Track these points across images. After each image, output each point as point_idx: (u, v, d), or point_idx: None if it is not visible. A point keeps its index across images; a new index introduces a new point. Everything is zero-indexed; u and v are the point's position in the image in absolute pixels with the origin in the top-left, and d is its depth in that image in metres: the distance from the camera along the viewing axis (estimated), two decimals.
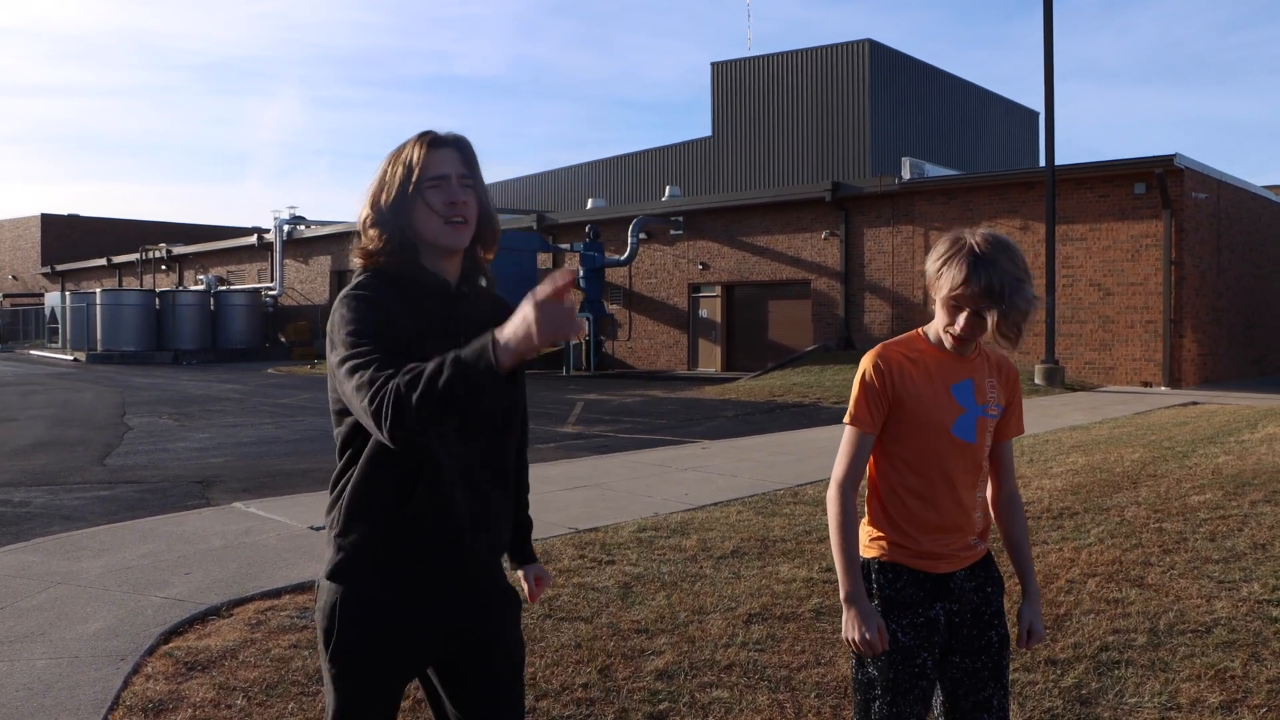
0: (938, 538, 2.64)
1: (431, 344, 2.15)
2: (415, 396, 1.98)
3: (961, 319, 2.54)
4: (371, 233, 2.39)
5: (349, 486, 2.31)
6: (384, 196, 2.37)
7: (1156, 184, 21.82)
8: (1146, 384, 22.28)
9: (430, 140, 2.39)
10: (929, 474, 2.64)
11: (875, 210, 27.16)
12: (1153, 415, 15.69)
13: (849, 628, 2.57)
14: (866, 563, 2.68)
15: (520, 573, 2.71)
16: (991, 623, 2.71)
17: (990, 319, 2.50)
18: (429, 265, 2.39)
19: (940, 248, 2.62)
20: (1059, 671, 4.50)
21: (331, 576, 2.32)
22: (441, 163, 2.36)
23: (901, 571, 2.65)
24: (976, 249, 2.52)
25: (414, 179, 2.33)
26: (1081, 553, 6.57)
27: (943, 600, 2.65)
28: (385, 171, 2.40)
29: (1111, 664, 4.59)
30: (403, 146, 2.40)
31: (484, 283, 2.56)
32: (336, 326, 2.27)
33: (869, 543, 2.70)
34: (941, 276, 2.57)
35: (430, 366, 1.99)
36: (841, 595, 2.60)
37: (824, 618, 5.27)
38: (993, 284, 2.47)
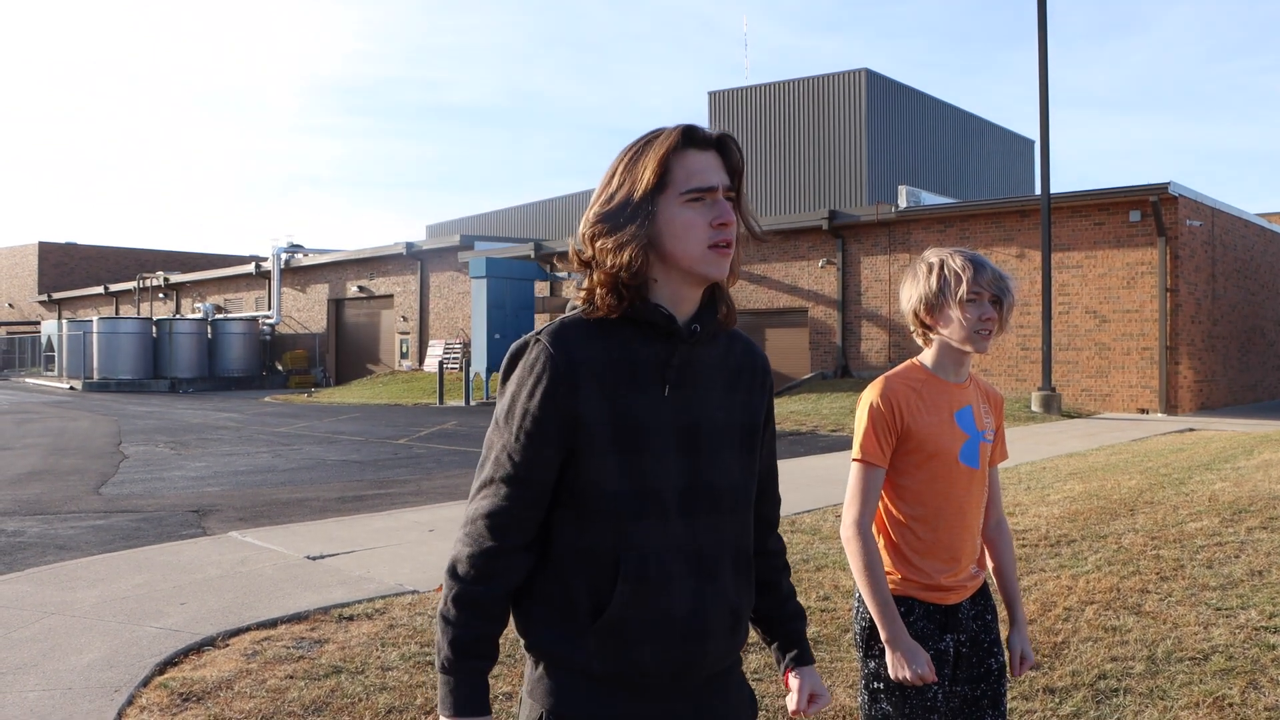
0: (949, 568, 2.65)
1: (638, 419, 1.83)
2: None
3: (989, 308, 2.60)
4: (609, 253, 1.82)
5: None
6: (623, 203, 1.84)
7: (1151, 212, 21.92)
8: (1143, 411, 22.29)
9: (693, 137, 1.88)
10: (941, 504, 2.64)
11: (872, 238, 27.25)
12: (1149, 442, 15.70)
13: (896, 667, 2.55)
14: None
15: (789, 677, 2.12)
16: (991, 650, 2.71)
17: (1006, 304, 2.62)
18: (661, 298, 1.86)
19: (922, 271, 2.68)
20: (1057, 700, 4.49)
21: None
22: (706, 169, 1.87)
23: (913, 605, 2.64)
24: (964, 252, 2.66)
25: (669, 186, 1.84)
26: (1079, 580, 6.56)
27: (951, 631, 2.66)
28: (622, 172, 1.88)
29: (1110, 692, 4.58)
30: (652, 138, 1.89)
31: (724, 312, 1.95)
32: (502, 404, 1.88)
33: None
34: (947, 284, 2.62)
35: (453, 631, 1.93)
36: (883, 638, 2.58)
37: (820, 647, 5.26)
38: (999, 272, 2.63)
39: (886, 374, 2.72)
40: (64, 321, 49.65)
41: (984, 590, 2.77)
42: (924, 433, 2.62)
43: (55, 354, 48.64)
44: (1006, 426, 17.72)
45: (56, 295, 67.83)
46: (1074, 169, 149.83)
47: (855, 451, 2.65)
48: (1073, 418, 21.05)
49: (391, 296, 41.92)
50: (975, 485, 2.67)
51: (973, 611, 2.71)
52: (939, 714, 2.63)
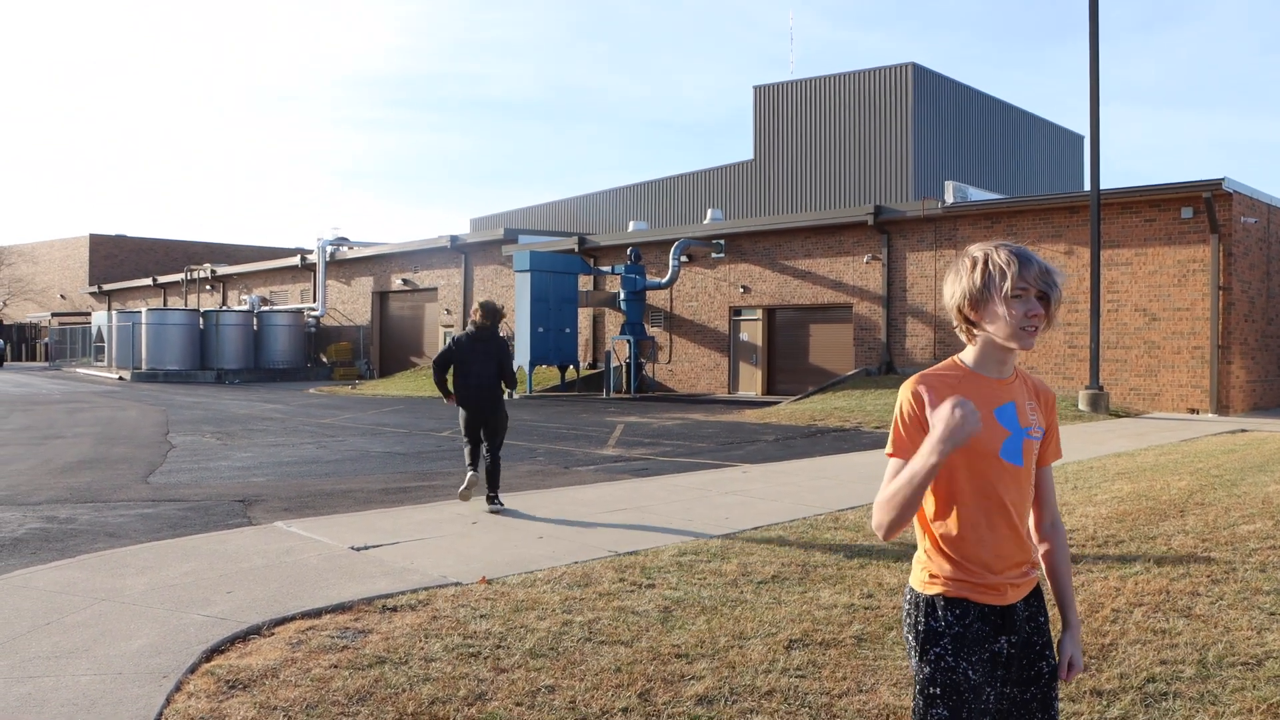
0: (999, 567, 2.58)
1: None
2: None
3: (1035, 304, 2.53)
4: None
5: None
6: None
7: (1204, 208, 21.57)
8: (1193, 411, 21.96)
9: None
10: (984, 502, 2.57)
11: (918, 234, 27.04)
12: (1200, 443, 15.46)
13: (948, 426, 2.37)
14: (932, 599, 2.60)
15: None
16: (1043, 653, 2.64)
17: (1054, 299, 2.55)
18: None
19: (965, 266, 2.60)
20: (1105, 702, 4.42)
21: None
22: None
23: (969, 607, 2.57)
24: (1009, 246, 2.59)
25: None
26: (1127, 582, 6.47)
27: (1006, 633, 2.59)
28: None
29: (1159, 695, 4.51)
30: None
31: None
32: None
33: (929, 579, 2.62)
34: (992, 279, 2.54)
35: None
36: (936, 438, 2.39)
37: (865, 644, 5.22)
38: (1046, 266, 2.56)
39: (922, 371, 2.66)
40: (114, 313, 50.42)
41: (1037, 591, 2.71)
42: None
43: (105, 344, 49.41)
44: None
45: (106, 287, 68.88)
46: (1122, 164, 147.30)
47: (888, 447, 2.62)
48: (1120, 417, 20.78)
49: (435, 289, 42.16)
50: (1019, 482, 2.60)
51: (1026, 613, 2.66)
52: (991, 717, 2.57)
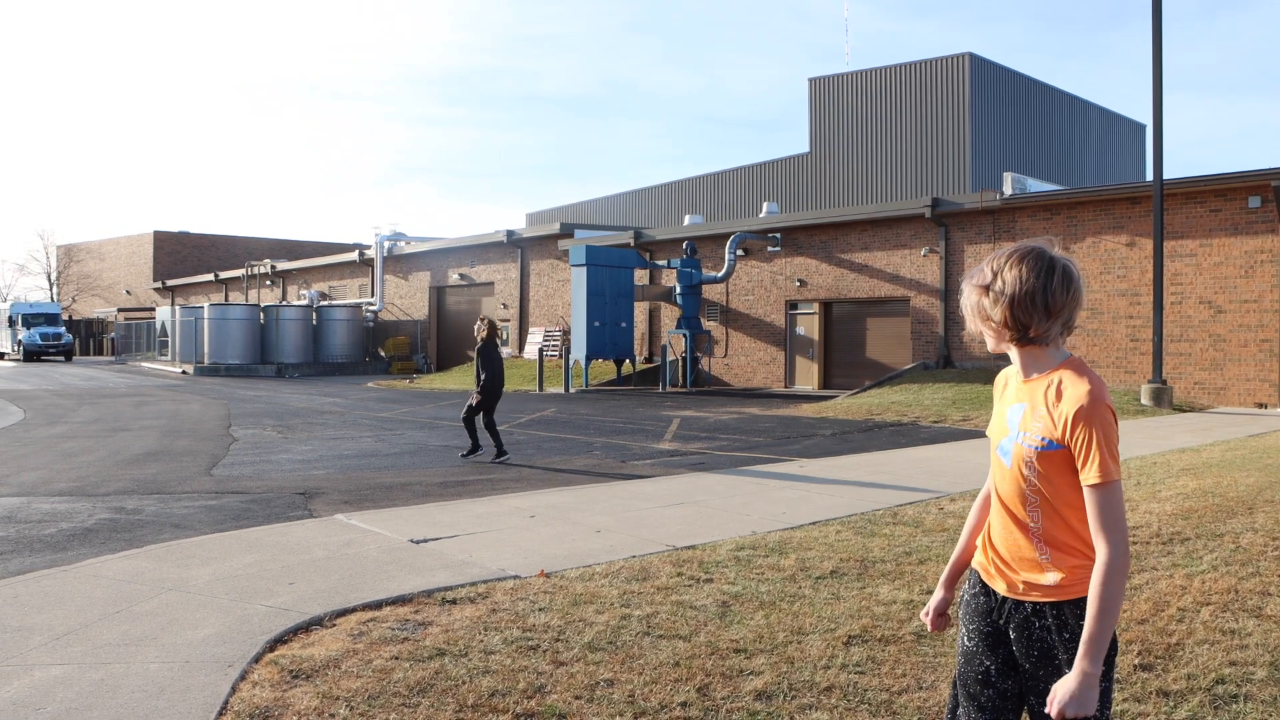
0: (994, 553, 2.74)
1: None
2: None
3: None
4: None
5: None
6: None
7: (1273, 196, 21.10)
8: (1261, 405, 21.50)
9: None
10: (993, 487, 2.79)
11: (976, 226, 26.74)
12: (1269, 438, 15.13)
13: None
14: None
15: None
16: (1060, 670, 2.55)
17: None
18: None
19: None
20: (1171, 704, 4.35)
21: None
22: None
23: (977, 579, 2.80)
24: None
25: None
26: (1194, 580, 6.34)
27: (1000, 616, 2.70)
28: None
29: (1229, 698, 4.42)
30: None
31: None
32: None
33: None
34: None
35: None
36: None
37: (925, 641, 5.17)
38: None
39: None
40: (177, 308, 51.29)
41: (1063, 608, 2.57)
42: (991, 418, 2.84)
43: (169, 339, 50.27)
44: None
45: (170, 282, 70.18)
46: (1184, 153, 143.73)
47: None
48: (1184, 411, 20.41)
49: (492, 284, 42.42)
50: (1010, 484, 2.67)
51: (1038, 622, 2.58)
52: (995, 690, 2.70)
